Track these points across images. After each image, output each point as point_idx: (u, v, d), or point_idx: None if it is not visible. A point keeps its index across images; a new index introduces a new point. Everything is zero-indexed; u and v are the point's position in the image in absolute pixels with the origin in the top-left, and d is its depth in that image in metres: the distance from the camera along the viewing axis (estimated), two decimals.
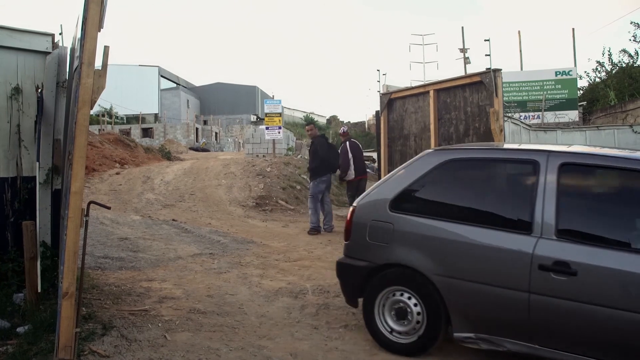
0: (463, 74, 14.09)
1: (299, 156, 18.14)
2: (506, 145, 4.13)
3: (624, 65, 21.64)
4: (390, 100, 8.14)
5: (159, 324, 4.05)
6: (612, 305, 2.82)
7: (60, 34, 14.15)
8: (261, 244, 7.78)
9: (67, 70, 4.59)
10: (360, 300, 3.89)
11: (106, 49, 3.12)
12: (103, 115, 37.55)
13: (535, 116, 19.90)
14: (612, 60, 22.22)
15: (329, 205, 9.08)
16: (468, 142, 6.90)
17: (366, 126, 54.14)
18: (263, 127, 17.35)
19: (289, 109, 58.70)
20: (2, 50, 4.49)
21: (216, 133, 44.38)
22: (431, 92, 7.34)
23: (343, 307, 4.65)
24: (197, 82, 62.29)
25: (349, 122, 57.51)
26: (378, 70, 52.30)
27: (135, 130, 38.20)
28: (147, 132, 39.26)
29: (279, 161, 15.28)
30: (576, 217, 3.21)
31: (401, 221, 3.61)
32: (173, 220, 9.85)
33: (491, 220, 3.34)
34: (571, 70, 21.02)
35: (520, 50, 23.29)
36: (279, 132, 16.56)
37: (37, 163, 4.34)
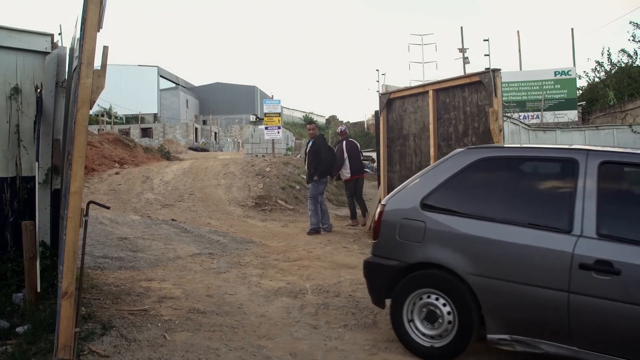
0: (462, 74, 14.10)
1: (298, 156, 18.14)
2: (540, 145, 4.10)
3: (623, 65, 21.64)
4: (390, 100, 8.14)
5: (159, 324, 4.05)
6: None
7: (59, 34, 14.20)
8: (260, 243, 7.79)
9: (67, 70, 4.59)
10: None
11: (105, 49, 3.12)
12: (102, 115, 37.54)
13: (535, 116, 19.90)
14: (611, 60, 22.25)
15: (324, 205, 9.13)
16: (467, 142, 6.90)
17: (365, 126, 54.20)
18: (262, 127, 17.36)
19: (288, 108, 58.70)
20: (2, 51, 4.49)
21: (215, 133, 44.39)
22: (430, 92, 7.34)
23: (342, 306, 4.66)
24: (197, 82, 62.38)
25: (348, 122, 57.55)
26: (377, 70, 52.36)
27: (135, 130, 38.20)
28: (146, 132, 39.27)
29: (278, 161, 15.28)
30: (617, 216, 3.15)
31: (434, 220, 3.55)
32: (172, 220, 9.85)
33: (528, 219, 3.28)
34: (570, 70, 21.03)
35: (520, 50, 23.30)
36: (278, 132, 16.57)
37: (37, 163, 4.34)
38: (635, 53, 21.17)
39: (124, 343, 3.62)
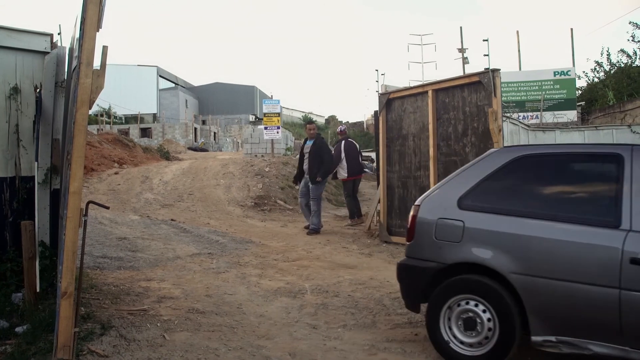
0: (462, 74, 14.10)
1: (297, 156, 18.14)
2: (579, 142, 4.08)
3: (622, 65, 21.63)
4: (389, 100, 8.15)
5: (158, 324, 4.05)
6: None
7: (58, 33, 14.18)
8: (260, 243, 7.79)
9: (66, 70, 4.59)
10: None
11: (105, 48, 3.12)
12: (102, 115, 37.53)
13: (534, 116, 19.90)
14: (610, 60, 22.23)
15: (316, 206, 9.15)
16: (467, 142, 6.91)
17: (365, 126, 54.16)
18: (262, 127, 17.36)
19: (287, 108, 58.66)
20: (1, 50, 4.49)
21: (215, 133, 44.39)
22: (430, 92, 7.34)
23: (341, 306, 4.66)
24: (196, 82, 62.39)
25: (347, 122, 57.55)
26: (377, 70, 52.08)
27: (134, 130, 38.22)
28: (145, 132, 39.28)
29: (278, 161, 15.29)
30: None
31: (473, 219, 3.47)
32: (172, 220, 9.85)
33: (573, 216, 3.21)
34: (570, 70, 21.01)
35: (519, 50, 23.24)
36: (277, 132, 16.57)
37: (36, 163, 4.34)
38: (635, 53, 21.18)
39: (123, 343, 3.62)
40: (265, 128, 16.56)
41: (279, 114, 16.92)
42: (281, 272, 5.96)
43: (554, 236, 3.18)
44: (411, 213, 3.81)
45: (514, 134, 8.77)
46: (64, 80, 4.63)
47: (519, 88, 21.10)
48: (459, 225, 3.50)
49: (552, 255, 3.15)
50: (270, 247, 7.55)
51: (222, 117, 51.86)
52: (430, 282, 3.57)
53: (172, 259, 6.53)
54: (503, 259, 3.28)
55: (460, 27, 40.99)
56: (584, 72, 27.70)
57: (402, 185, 7.91)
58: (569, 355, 3.13)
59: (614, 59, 22.14)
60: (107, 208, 4.25)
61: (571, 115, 19.99)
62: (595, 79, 23.31)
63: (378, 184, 8.91)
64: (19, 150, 4.56)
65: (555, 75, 20.96)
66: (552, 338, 3.10)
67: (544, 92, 20.55)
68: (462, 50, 25.65)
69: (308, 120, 40.70)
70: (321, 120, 62.43)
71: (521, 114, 19.43)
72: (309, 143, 9.08)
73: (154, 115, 47.38)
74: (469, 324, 3.37)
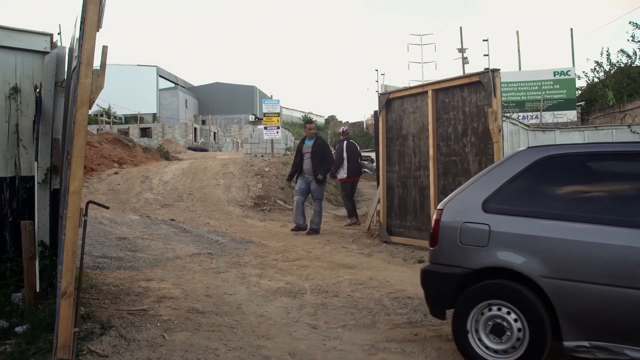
0: (461, 74, 14.11)
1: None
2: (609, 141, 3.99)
3: (622, 65, 21.64)
4: (389, 100, 8.15)
5: (158, 324, 4.05)
6: None
7: (58, 33, 14.18)
8: (259, 243, 7.79)
9: (66, 70, 4.59)
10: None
11: (105, 48, 3.13)
12: (101, 115, 37.55)
13: (534, 116, 19.89)
14: (610, 60, 22.23)
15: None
16: (466, 142, 6.91)
17: (364, 126, 54.21)
18: (261, 127, 17.38)
19: (287, 108, 58.65)
20: (1, 50, 4.48)
21: (214, 133, 44.41)
22: (429, 92, 7.34)
23: (341, 306, 4.66)
24: (196, 82, 62.41)
25: (347, 122, 57.58)
26: (376, 70, 52.00)
27: (134, 130, 38.23)
28: (145, 132, 39.29)
29: (277, 161, 15.29)
30: None
31: (499, 222, 3.36)
32: (171, 220, 9.85)
33: (606, 217, 3.11)
34: (569, 71, 21.01)
35: (519, 50, 23.22)
36: (277, 132, 16.58)
37: (36, 163, 4.34)
38: (635, 53, 21.18)
39: (123, 343, 3.62)
40: (265, 128, 16.57)
41: (278, 114, 16.93)
42: (281, 272, 5.96)
43: (585, 238, 3.07)
44: (434, 217, 3.70)
45: (514, 134, 8.77)
46: (64, 80, 4.63)
47: (519, 88, 21.10)
48: (484, 229, 3.38)
49: (585, 258, 3.05)
50: (270, 247, 7.55)
51: (222, 117, 51.87)
52: (456, 288, 3.46)
53: (171, 259, 6.53)
54: (532, 263, 3.17)
55: (460, 27, 41.05)
56: (583, 72, 27.70)
57: (401, 185, 7.92)
58: None
59: (613, 59, 22.15)
60: (107, 208, 4.25)
61: (571, 115, 19.99)
62: (595, 79, 23.31)
63: (378, 184, 8.91)
64: (19, 150, 4.56)
65: (555, 75, 20.96)
66: (586, 343, 3.00)
67: (543, 92, 20.55)
68: (462, 50, 25.65)
69: (307, 120, 40.69)
70: (321, 120, 62.45)
71: (521, 114, 19.42)
72: (308, 143, 9.03)
73: (154, 115, 47.39)
74: (498, 331, 3.26)
